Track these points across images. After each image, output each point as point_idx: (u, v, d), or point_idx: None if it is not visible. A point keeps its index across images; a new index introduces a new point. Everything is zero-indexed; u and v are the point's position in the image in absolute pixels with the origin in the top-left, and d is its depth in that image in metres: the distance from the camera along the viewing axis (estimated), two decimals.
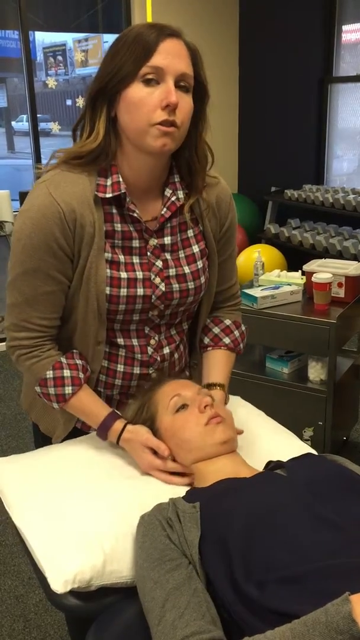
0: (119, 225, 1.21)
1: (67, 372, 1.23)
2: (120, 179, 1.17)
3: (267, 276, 2.79)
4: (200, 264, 1.30)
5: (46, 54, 5.95)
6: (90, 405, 1.26)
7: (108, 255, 1.20)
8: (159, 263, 1.25)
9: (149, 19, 4.53)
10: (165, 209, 1.23)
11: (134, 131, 1.13)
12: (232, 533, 0.95)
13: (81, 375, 1.24)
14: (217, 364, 1.40)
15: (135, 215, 1.20)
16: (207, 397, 1.21)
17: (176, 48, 1.10)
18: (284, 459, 1.17)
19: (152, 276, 1.23)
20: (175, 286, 1.26)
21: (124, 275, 1.21)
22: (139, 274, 1.22)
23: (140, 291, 1.22)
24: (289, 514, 0.97)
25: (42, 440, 1.43)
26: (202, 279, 1.31)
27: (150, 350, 1.30)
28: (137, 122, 1.11)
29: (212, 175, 1.29)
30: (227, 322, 1.43)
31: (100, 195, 1.17)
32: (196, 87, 1.16)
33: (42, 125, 4.96)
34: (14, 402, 3.57)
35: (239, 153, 5.91)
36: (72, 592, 1.02)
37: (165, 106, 1.08)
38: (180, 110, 1.10)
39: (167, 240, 1.26)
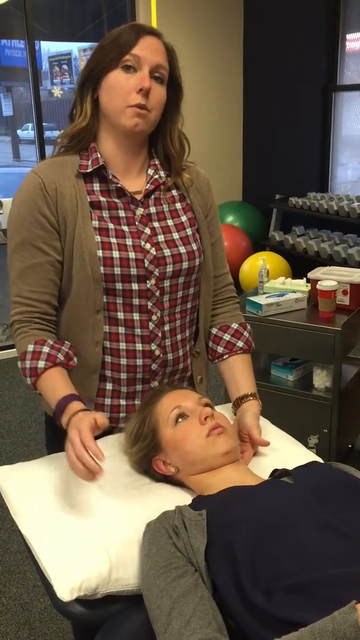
0: (103, 198, 1.30)
1: (46, 349, 1.25)
2: (99, 156, 1.30)
3: (271, 284, 2.80)
4: (189, 231, 1.36)
5: (52, 63, 6.00)
6: (58, 384, 1.22)
7: (95, 223, 1.28)
8: (147, 230, 1.32)
9: None
10: (149, 184, 1.34)
11: (111, 111, 1.27)
12: (239, 540, 0.95)
13: (60, 356, 1.25)
14: (241, 372, 1.43)
15: (119, 185, 1.30)
16: (207, 408, 1.21)
17: (154, 44, 1.26)
18: (290, 467, 1.17)
19: (142, 243, 1.30)
20: (167, 251, 1.32)
21: (114, 240, 1.28)
22: (129, 241, 1.29)
23: (132, 255, 1.28)
24: (295, 522, 0.97)
25: (51, 445, 1.44)
26: (194, 246, 1.36)
27: (151, 325, 1.32)
28: (115, 103, 1.25)
29: (188, 161, 1.42)
30: (235, 325, 1.46)
31: (82, 170, 1.29)
32: (171, 82, 1.30)
33: (47, 134, 4.99)
34: (20, 409, 3.58)
35: (243, 161, 5.94)
36: (78, 600, 1.02)
37: (139, 90, 1.23)
38: (153, 96, 1.25)
39: (153, 209, 1.34)
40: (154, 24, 4.75)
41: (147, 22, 4.84)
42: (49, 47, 5.96)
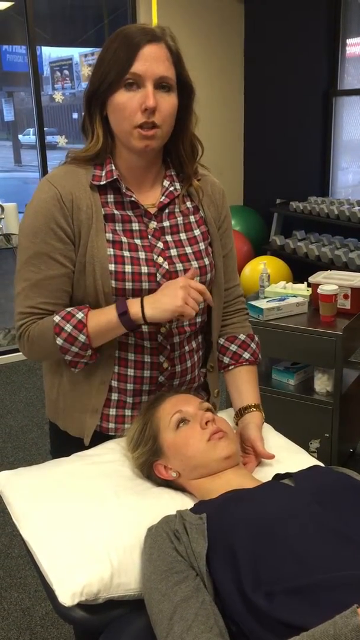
0: (117, 211, 1.28)
1: (69, 309, 1.24)
2: (113, 168, 1.27)
3: (272, 288, 2.80)
4: (202, 245, 1.34)
5: (53, 69, 6.00)
6: (103, 313, 1.23)
7: (109, 235, 1.26)
8: (160, 244, 1.30)
9: None
10: (163, 197, 1.31)
11: (120, 133, 1.24)
12: (240, 543, 0.95)
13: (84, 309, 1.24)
14: (246, 383, 1.43)
15: (133, 199, 1.27)
16: (208, 413, 1.22)
17: (156, 53, 1.18)
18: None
19: (155, 256, 1.28)
20: (179, 265, 1.30)
21: (127, 253, 1.26)
22: (142, 254, 1.27)
23: (144, 269, 1.26)
24: (296, 524, 0.97)
25: (56, 449, 1.45)
26: (206, 261, 1.34)
27: (159, 337, 1.31)
28: (122, 125, 1.21)
29: (203, 166, 1.38)
30: (242, 337, 1.46)
31: (95, 183, 1.26)
32: (180, 85, 1.24)
33: (48, 139, 5.00)
34: (21, 414, 3.58)
35: (244, 165, 5.94)
36: (80, 605, 1.02)
37: (144, 110, 1.17)
38: (161, 110, 1.19)
39: (166, 223, 1.32)
40: None
41: None
42: (50, 53, 5.97)
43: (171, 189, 1.32)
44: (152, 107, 1.17)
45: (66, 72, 5.87)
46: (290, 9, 5.21)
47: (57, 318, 1.23)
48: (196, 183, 1.35)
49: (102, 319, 1.21)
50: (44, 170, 4.80)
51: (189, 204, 1.35)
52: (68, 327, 1.21)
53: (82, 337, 1.21)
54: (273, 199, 5.58)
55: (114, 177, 1.26)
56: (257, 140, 5.77)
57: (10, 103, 6.83)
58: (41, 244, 1.24)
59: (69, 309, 1.24)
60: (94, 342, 1.23)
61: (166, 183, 1.32)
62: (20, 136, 8.18)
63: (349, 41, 5.08)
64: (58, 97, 5.44)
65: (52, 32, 5.38)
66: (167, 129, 1.23)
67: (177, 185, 1.33)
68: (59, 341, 1.22)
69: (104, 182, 1.26)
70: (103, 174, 1.26)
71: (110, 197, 1.28)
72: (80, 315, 1.22)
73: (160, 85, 1.19)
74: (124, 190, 1.27)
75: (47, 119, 4.99)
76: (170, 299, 1.17)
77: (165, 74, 1.19)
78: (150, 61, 1.17)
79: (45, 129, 4.83)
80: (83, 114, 1.27)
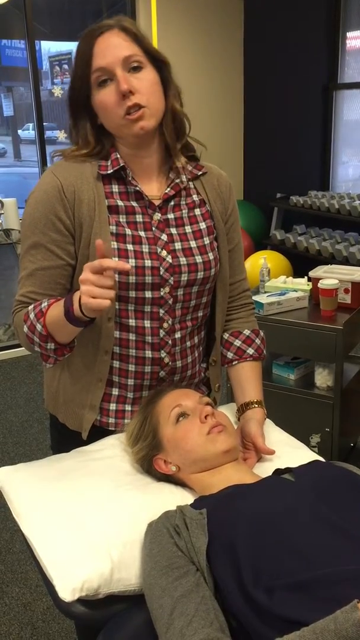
0: (121, 202, 1.27)
1: (44, 300, 1.21)
2: (119, 156, 1.27)
3: (273, 282, 2.80)
4: (207, 240, 1.33)
5: (52, 63, 5.99)
6: (59, 305, 1.15)
7: (113, 228, 1.25)
8: (164, 237, 1.29)
9: (154, 29, 4.56)
10: (169, 189, 1.30)
11: (112, 128, 1.24)
12: (240, 539, 0.95)
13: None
14: (249, 379, 1.42)
15: (138, 189, 1.27)
16: (207, 407, 1.21)
17: (110, 40, 1.19)
18: None
19: (159, 249, 1.27)
20: (183, 259, 1.29)
21: (130, 247, 1.25)
22: (145, 247, 1.26)
23: (148, 262, 1.25)
24: (296, 519, 0.97)
25: (57, 443, 1.45)
26: (211, 256, 1.33)
27: (162, 332, 1.30)
28: (111, 120, 1.22)
29: (208, 164, 1.39)
30: (247, 332, 1.45)
31: (102, 172, 1.26)
32: (152, 59, 1.23)
33: (48, 134, 4.99)
34: (22, 409, 3.58)
35: (244, 160, 5.94)
36: (80, 600, 1.02)
37: (122, 96, 1.17)
38: (139, 89, 1.19)
39: (171, 215, 1.31)
40: (154, 23, 4.75)
41: (147, 22, 4.84)
42: (49, 47, 5.96)
43: (177, 180, 1.30)
44: (125, 90, 1.16)
45: (65, 66, 5.85)
46: (290, 3, 5.19)
47: (30, 307, 1.22)
48: (205, 177, 1.35)
49: (58, 311, 1.14)
50: (44, 165, 4.80)
51: (195, 196, 1.35)
52: (32, 315, 1.20)
53: (39, 327, 1.18)
54: (273, 193, 5.58)
55: (121, 165, 1.25)
56: (257, 134, 5.76)
57: (10, 98, 6.82)
58: (39, 235, 1.24)
59: (44, 300, 1.21)
60: (55, 335, 1.17)
61: (172, 175, 1.31)
62: (19, 131, 8.17)
63: (349, 34, 5.07)
64: (57, 91, 5.42)
65: (51, 27, 5.37)
66: (155, 106, 1.22)
67: (184, 178, 1.32)
68: (25, 329, 1.22)
69: (111, 171, 1.25)
70: (109, 163, 1.26)
71: (115, 188, 1.28)
72: (44, 304, 1.19)
73: (131, 67, 1.19)
74: (129, 179, 1.26)
75: (47, 113, 4.98)
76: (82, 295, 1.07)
77: (129, 54, 1.19)
78: (109, 49, 1.18)
79: (44, 123, 4.82)
80: (69, 120, 1.27)
